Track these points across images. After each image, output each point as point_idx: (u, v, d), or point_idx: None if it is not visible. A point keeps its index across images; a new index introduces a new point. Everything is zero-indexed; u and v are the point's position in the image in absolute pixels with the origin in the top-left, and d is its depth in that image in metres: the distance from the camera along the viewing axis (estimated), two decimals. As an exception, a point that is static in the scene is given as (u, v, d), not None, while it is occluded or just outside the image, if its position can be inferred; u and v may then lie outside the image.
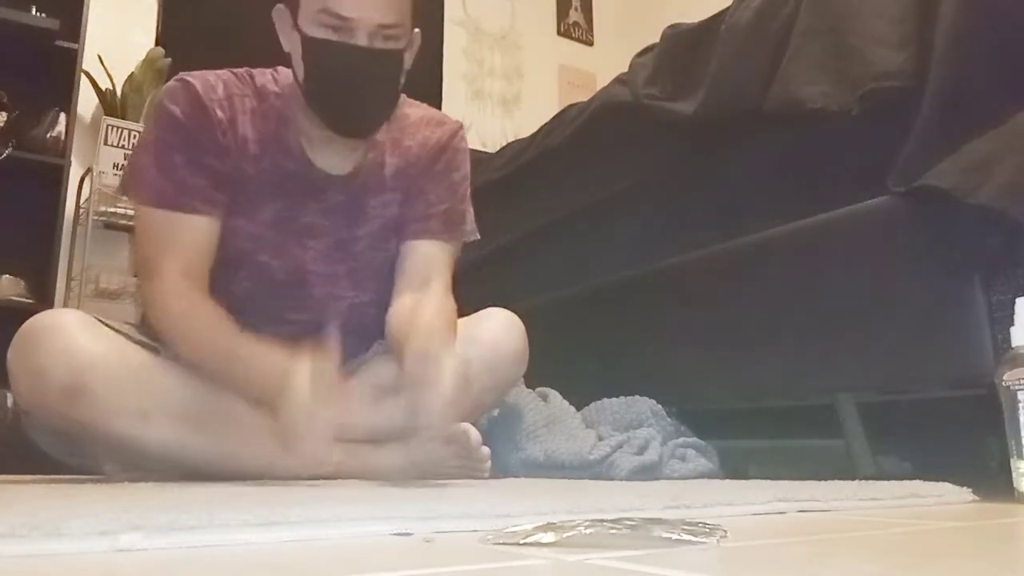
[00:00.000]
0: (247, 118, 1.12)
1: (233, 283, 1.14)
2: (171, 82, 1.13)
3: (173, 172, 1.08)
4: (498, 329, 1.22)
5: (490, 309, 1.26)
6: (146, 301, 1.11)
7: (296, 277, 1.17)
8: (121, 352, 1.03)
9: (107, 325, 1.06)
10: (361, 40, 1.04)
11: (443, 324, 1.05)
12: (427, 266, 1.18)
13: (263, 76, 1.16)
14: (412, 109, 1.24)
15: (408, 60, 1.11)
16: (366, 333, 1.21)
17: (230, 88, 1.13)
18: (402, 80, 1.13)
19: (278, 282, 1.16)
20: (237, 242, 1.13)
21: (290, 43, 1.10)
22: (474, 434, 1.08)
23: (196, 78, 1.12)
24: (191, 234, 1.08)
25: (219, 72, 1.15)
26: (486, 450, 1.09)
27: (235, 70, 1.16)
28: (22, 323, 1.03)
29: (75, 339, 1.00)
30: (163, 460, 1.02)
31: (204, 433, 1.02)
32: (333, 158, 1.15)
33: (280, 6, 1.11)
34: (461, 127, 1.28)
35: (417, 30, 1.11)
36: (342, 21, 1.03)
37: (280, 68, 1.17)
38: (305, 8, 1.05)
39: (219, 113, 1.10)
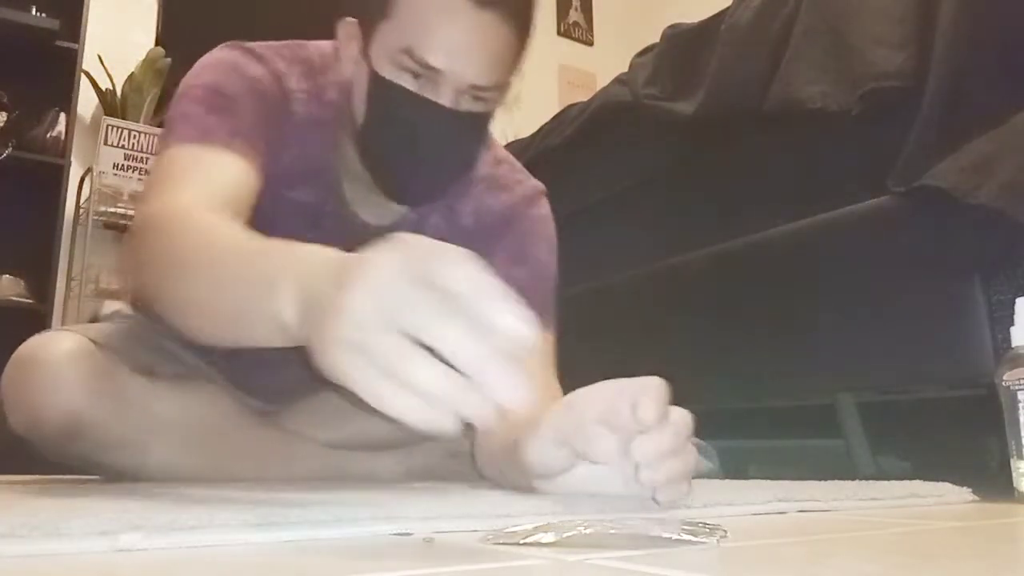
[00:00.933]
0: (304, 124, 0.93)
1: None
2: (231, 50, 0.91)
3: (227, 112, 0.86)
4: None
5: None
6: (133, 229, 0.82)
7: None
8: (119, 386, 0.93)
9: (103, 345, 0.96)
10: (445, 97, 0.84)
11: None
12: None
13: (325, 74, 0.95)
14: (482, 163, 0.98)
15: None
16: None
17: (301, 82, 0.93)
18: (483, 148, 0.95)
19: None
20: None
21: (354, 69, 0.90)
22: None
23: (266, 58, 0.91)
24: (227, 174, 0.82)
25: (282, 52, 0.94)
26: None
27: (300, 52, 0.95)
28: (22, 322, 1.01)
29: (69, 378, 0.90)
30: (164, 481, 1.00)
31: (205, 455, 0.99)
32: (373, 204, 0.97)
33: (350, 20, 0.90)
34: (538, 194, 1.04)
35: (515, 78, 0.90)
36: (427, 70, 0.82)
37: (343, 59, 0.93)
38: (383, 39, 0.84)
39: (295, 107, 0.92)
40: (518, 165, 1.07)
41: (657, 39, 1.60)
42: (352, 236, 0.93)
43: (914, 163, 1.03)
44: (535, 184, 1.05)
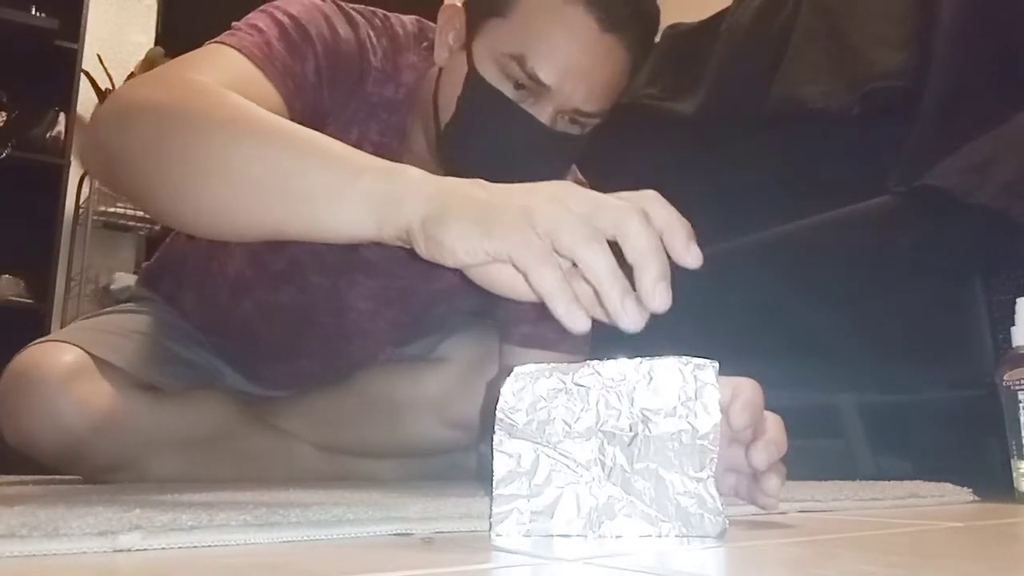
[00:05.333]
0: (374, 103, 0.88)
1: (271, 295, 1.00)
2: (327, 1, 0.86)
3: (297, 52, 0.79)
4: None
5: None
6: (135, 90, 0.68)
7: (333, 307, 1.01)
8: (119, 408, 0.89)
9: (104, 360, 0.92)
10: (543, 114, 0.79)
11: None
12: None
13: (405, 53, 0.89)
14: None
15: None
16: (377, 344, 1.08)
17: (383, 60, 0.88)
18: (567, 173, 0.94)
19: (312, 308, 1.00)
20: (295, 251, 0.95)
21: (450, 61, 0.84)
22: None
23: (358, 24, 0.86)
24: (261, 101, 0.68)
25: (373, 21, 0.88)
26: None
27: (388, 24, 0.90)
28: (22, 322, 0.99)
29: (66, 402, 0.86)
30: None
31: (206, 468, 0.97)
32: None
33: (456, 5, 0.84)
34: None
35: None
36: (534, 83, 0.77)
37: (437, 44, 0.86)
38: (492, 37, 0.79)
39: (369, 85, 0.87)
40: (583, 180, 1.04)
41: (657, 39, 1.60)
42: None
43: (914, 163, 1.03)
44: None
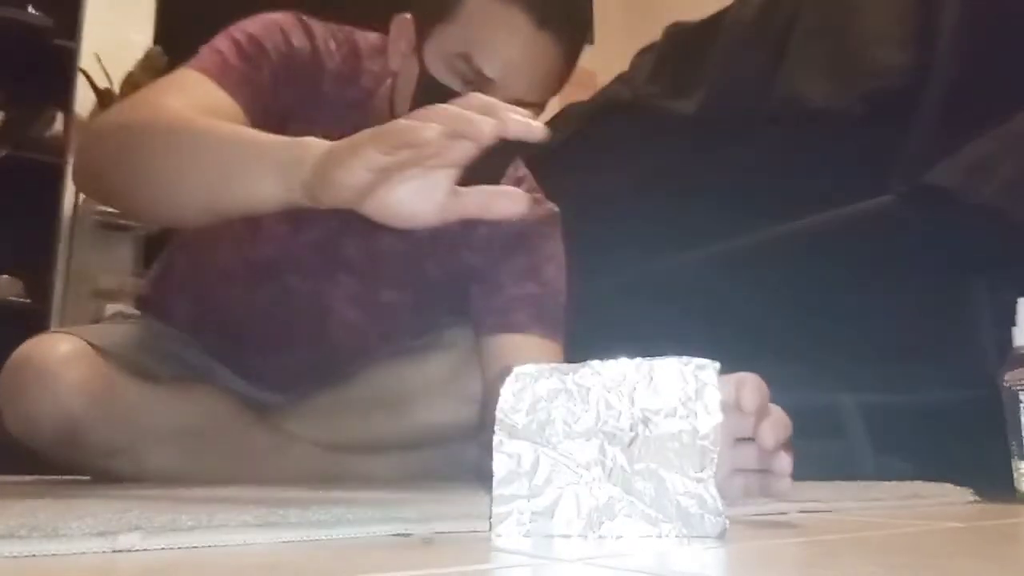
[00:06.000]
0: (334, 104, 0.97)
1: (250, 296, 1.04)
2: (289, 16, 0.96)
3: (252, 64, 0.90)
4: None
5: None
6: (112, 114, 0.86)
7: (314, 310, 1.05)
8: (116, 391, 0.93)
9: (102, 348, 0.95)
10: None
11: None
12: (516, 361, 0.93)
13: (365, 61, 0.99)
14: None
15: None
16: (366, 354, 1.11)
17: (340, 64, 0.97)
18: (511, 163, 1.00)
19: (294, 309, 1.04)
20: (272, 252, 1.01)
21: (403, 66, 0.93)
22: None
23: (315, 35, 0.96)
24: (222, 112, 0.84)
25: (335, 33, 0.99)
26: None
27: (350, 36, 1.00)
28: (20, 322, 1.01)
29: (64, 384, 0.90)
30: (164, 482, 1.00)
31: (204, 460, 0.98)
32: None
33: (405, 17, 0.93)
34: (552, 216, 1.10)
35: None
36: (479, 78, 0.85)
37: (391, 53, 0.96)
38: (440, 40, 0.87)
39: (325, 86, 0.96)
40: (535, 184, 1.11)
41: (658, 37, 1.60)
42: (370, 226, 0.93)
43: (916, 162, 1.02)
44: (551, 207, 1.10)
